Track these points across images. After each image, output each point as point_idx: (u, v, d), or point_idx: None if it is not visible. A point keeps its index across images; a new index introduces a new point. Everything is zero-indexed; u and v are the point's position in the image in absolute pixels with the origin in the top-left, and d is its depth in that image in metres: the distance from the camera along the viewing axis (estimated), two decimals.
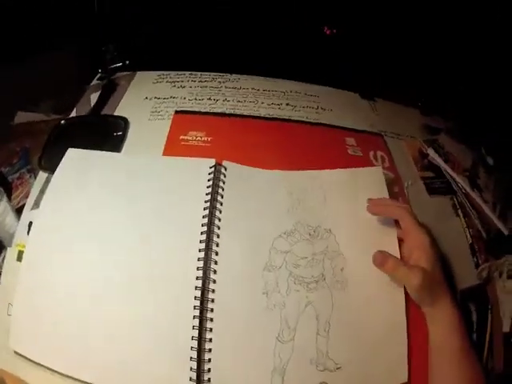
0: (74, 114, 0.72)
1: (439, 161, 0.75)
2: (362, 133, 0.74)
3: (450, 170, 0.74)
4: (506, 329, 0.61)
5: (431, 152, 0.76)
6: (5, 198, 0.60)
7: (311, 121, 0.73)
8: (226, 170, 0.59)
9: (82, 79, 0.81)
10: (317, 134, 0.71)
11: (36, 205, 0.59)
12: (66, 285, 0.50)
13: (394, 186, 0.67)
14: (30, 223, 0.55)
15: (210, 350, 0.48)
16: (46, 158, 0.64)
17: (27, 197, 0.62)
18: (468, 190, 0.72)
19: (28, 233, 0.55)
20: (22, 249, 0.54)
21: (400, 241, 0.56)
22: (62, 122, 0.69)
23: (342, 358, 0.49)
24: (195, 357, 0.47)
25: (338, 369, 0.49)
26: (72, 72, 0.83)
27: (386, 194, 0.60)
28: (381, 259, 0.52)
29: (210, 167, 0.58)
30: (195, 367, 0.46)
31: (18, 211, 0.61)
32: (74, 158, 0.60)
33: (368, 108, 0.82)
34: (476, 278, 0.63)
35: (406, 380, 0.50)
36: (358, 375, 0.49)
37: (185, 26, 0.82)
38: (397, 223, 0.56)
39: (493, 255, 0.66)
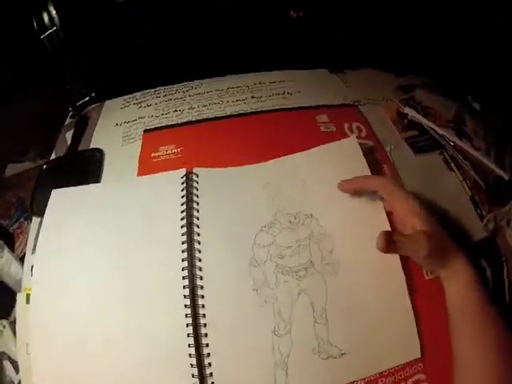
0: (54, 155, 0.73)
1: (419, 117, 0.73)
2: (333, 107, 0.72)
3: (431, 124, 0.72)
4: None
5: (408, 110, 0.74)
6: (6, 249, 0.62)
7: (279, 107, 0.73)
8: (197, 176, 0.59)
9: (56, 120, 0.84)
10: (286, 119, 0.70)
11: (34, 249, 0.60)
12: (68, 317, 0.52)
13: (376, 154, 0.65)
14: (32, 267, 0.57)
15: (208, 355, 0.48)
16: (35, 203, 0.66)
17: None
18: (455, 140, 0.70)
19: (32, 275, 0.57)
20: (29, 292, 0.56)
21: (389, 214, 0.54)
22: (44, 166, 0.71)
23: (346, 342, 0.49)
24: (195, 363, 0.47)
25: (342, 354, 0.48)
26: (52, 115, 0.87)
27: (363, 164, 0.59)
28: (382, 244, 0.48)
29: (182, 177, 0.59)
30: (197, 373, 0.47)
31: (22, 259, 0.63)
32: (58, 198, 0.61)
33: (338, 81, 0.81)
34: (483, 231, 0.61)
35: (420, 355, 0.49)
36: (366, 358, 0.49)
37: (140, 41, 0.83)
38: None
39: (497, 203, 0.64)
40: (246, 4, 0.83)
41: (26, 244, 0.67)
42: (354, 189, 0.56)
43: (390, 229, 0.53)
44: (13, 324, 0.62)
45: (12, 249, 0.67)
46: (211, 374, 0.47)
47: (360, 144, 0.62)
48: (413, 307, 0.50)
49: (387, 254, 0.50)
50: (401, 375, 0.48)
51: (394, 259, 0.52)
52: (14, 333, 0.60)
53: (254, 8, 0.84)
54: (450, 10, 0.81)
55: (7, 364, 0.61)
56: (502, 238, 0.62)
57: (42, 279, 0.55)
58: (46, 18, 0.74)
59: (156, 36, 0.82)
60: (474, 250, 0.56)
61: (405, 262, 0.52)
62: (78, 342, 0.50)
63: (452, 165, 0.68)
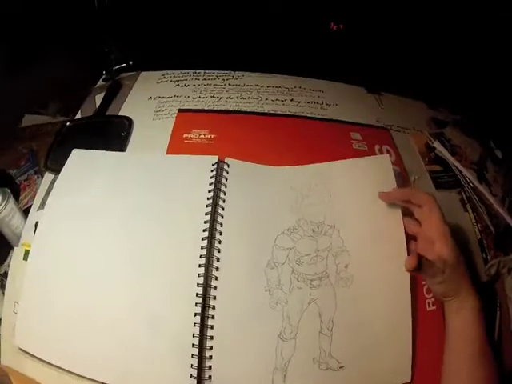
0: (79, 115, 0.73)
1: (446, 154, 0.74)
2: (367, 127, 0.74)
3: (457, 163, 0.73)
4: None
5: (437, 145, 0.75)
6: (12, 199, 0.61)
7: (316, 116, 0.74)
8: (228, 166, 0.59)
9: (84, 81, 0.83)
10: (321, 129, 0.71)
11: (42, 205, 0.60)
12: (70, 283, 0.51)
13: (401, 180, 0.65)
14: (37, 223, 0.57)
15: (211, 348, 0.48)
16: (51, 159, 0.66)
17: (34, 198, 0.63)
18: (476, 183, 0.71)
19: (34, 232, 0.56)
20: (28, 248, 0.55)
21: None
22: (68, 123, 0.70)
23: (346, 357, 0.50)
24: (196, 354, 0.47)
25: (341, 368, 0.49)
26: (74, 74, 0.85)
27: (393, 183, 0.59)
28: (411, 265, 0.51)
29: (213, 164, 0.59)
30: (196, 364, 0.47)
31: (26, 212, 0.62)
32: (78, 158, 0.61)
33: (374, 102, 0.82)
34: (484, 275, 0.62)
35: (409, 380, 0.50)
36: (360, 374, 0.50)
37: (187, 24, 0.83)
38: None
39: (502, 251, 0.66)
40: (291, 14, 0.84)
41: (32, 197, 0.67)
42: (401, 198, 0.56)
43: (406, 250, 0.54)
44: (2, 277, 0.61)
45: (16, 200, 0.66)
46: (210, 367, 0.48)
47: None
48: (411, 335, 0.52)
49: (399, 278, 0.53)
50: None
51: (405, 283, 0.53)
52: (2, 286, 0.59)
53: (298, 18, 0.85)
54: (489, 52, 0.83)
55: None
56: (501, 284, 0.63)
57: (46, 238, 0.54)
58: None
59: (203, 20, 0.81)
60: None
61: (413, 289, 0.53)
62: (76, 313, 0.50)
63: (468, 205, 0.69)
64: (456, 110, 0.87)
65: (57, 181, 0.59)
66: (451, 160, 0.74)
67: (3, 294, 0.56)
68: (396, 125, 0.77)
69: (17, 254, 0.57)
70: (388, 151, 0.70)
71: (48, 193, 0.61)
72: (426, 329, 0.53)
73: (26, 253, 0.55)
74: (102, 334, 0.49)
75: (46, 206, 0.57)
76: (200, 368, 0.47)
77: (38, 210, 0.60)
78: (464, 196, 0.70)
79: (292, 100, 0.76)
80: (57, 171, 0.60)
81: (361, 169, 0.61)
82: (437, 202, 0.53)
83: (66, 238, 0.54)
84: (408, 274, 0.53)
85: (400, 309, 0.53)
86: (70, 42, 0.86)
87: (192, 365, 0.47)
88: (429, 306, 0.55)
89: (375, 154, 0.68)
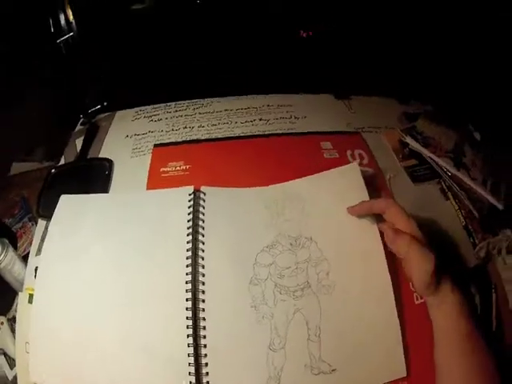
0: (62, 160, 0.77)
1: (419, 147, 0.77)
2: (338, 134, 0.77)
3: (431, 155, 0.76)
4: None
5: (409, 140, 0.78)
6: (10, 248, 0.65)
7: (285, 131, 0.77)
8: (204, 194, 0.63)
9: (66, 124, 0.87)
10: (292, 143, 0.75)
11: (39, 251, 0.64)
12: (67, 322, 0.55)
13: (376, 181, 0.69)
14: (36, 268, 0.60)
15: (206, 365, 0.51)
16: (42, 206, 0.69)
17: (31, 244, 0.67)
18: (453, 170, 0.74)
19: (35, 277, 0.60)
20: (31, 292, 0.59)
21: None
22: (53, 170, 0.74)
23: (337, 359, 0.52)
24: (193, 371, 0.51)
25: (333, 371, 0.52)
26: (55, 118, 0.90)
27: (364, 191, 0.62)
28: (392, 235, 0.52)
29: (189, 194, 0.63)
30: (194, 381, 0.50)
31: (25, 258, 0.66)
32: (66, 203, 0.64)
33: (343, 108, 0.85)
34: (475, 259, 0.65)
35: (405, 374, 0.52)
36: (355, 375, 0.52)
37: (156, 57, 0.87)
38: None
39: (490, 232, 0.68)
40: (256, 23, 0.87)
41: (29, 244, 0.71)
42: (363, 212, 0.59)
43: (384, 253, 0.57)
44: (11, 321, 0.66)
45: (15, 248, 0.70)
46: (208, 383, 0.51)
47: (361, 171, 0.65)
48: (401, 328, 0.54)
49: (381, 279, 0.56)
50: None
51: (386, 283, 0.56)
52: (12, 330, 0.64)
53: (265, 27, 0.89)
54: (458, 38, 0.87)
55: (2, 359, 0.65)
56: (493, 266, 0.66)
57: (46, 281, 0.58)
58: (63, 21, 0.78)
59: (167, 50, 0.85)
60: (464, 277, 0.60)
61: (396, 286, 0.56)
62: (78, 348, 0.53)
63: (448, 194, 0.72)
64: (430, 100, 0.89)
65: (49, 227, 0.63)
66: (425, 152, 0.77)
67: (14, 337, 0.60)
68: (367, 126, 0.80)
69: (22, 298, 0.61)
70: (360, 155, 0.73)
71: (43, 239, 0.64)
72: (417, 322, 0.55)
73: (31, 297, 0.59)
74: (101, 366, 0.52)
75: (42, 252, 0.61)
76: None
77: (36, 255, 0.64)
78: (444, 185, 0.73)
79: (261, 119, 0.80)
80: (48, 217, 0.64)
81: (330, 181, 0.64)
82: (396, 203, 0.56)
83: (62, 279, 0.58)
84: (387, 272, 0.56)
85: (385, 306, 0.55)
86: (46, 87, 0.91)
87: (190, 382, 0.50)
88: (417, 299, 0.58)
89: (347, 160, 0.72)
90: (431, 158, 0.76)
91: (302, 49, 0.91)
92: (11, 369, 0.64)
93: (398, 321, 0.54)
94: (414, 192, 0.71)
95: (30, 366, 0.53)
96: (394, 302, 0.55)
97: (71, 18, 0.77)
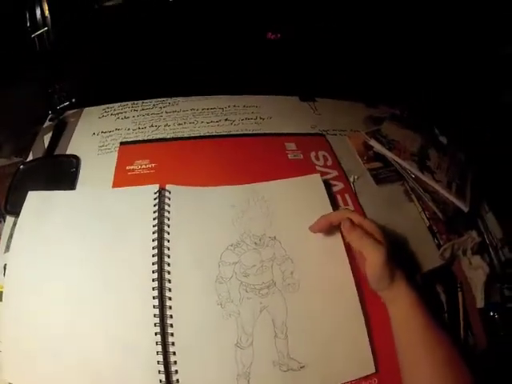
0: (31, 156, 0.78)
1: (383, 150, 0.81)
2: (302, 135, 0.81)
3: (395, 157, 0.80)
4: (480, 304, 0.66)
5: (373, 143, 0.82)
6: None
7: (250, 132, 0.81)
8: (170, 193, 0.66)
9: (33, 120, 0.89)
10: (256, 144, 0.79)
11: (7, 248, 0.65)
12: (40, 316, 0.57)
13: (339, 184, 0.74)
14: (5, 265, 0.62)
15: (175, 363, 0.54)
16: (10, 203, 0.70)
17: None
18: (417, 173, 0.78)
19: (4, 275, 0.61)
20: (1, 290, 0.60)
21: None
22: (21, 166, 0.75)
23: (305, 356, 0.56)
24: (163, 370, 0.53)
25: (302, 367, 0.55)
26: (22, 114, 0.92)
27: (325, 199, 0.68)
28: (348, 227, 0.58)
29: (155, 193, 0.65)
30: (164, 379, 0.53)
31: None
32: (34, 200, 0.66)
33: (308, 110, 0.90)
34: (439, 259, 0.68)
35: (374, 370, 0.56)
36: (324, 371, 0.55)
37: (123, 55, 0.89)
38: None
39: (455, 233, 0.72)
40: (225, 25, 0.91)
41: None
42: (321, 226, 0.63)
43: (345, 252, 0.62)
44: None
45: None
46: (178, 381, 0.53)
47: (324, 173, 0.72)
48: (367, 325, 0.58)
49: (343, 276, 0.60)
50: None
51: (349, 280, 0.60)
52: None
53: (233, 29, 0.92)
54: (426, 39, 0.92)
55: None
56: (458, 266, 0.70)
57: (16, 278, 0.60)
58: (38, 16, 0.80)
59: (139, 49, 0.88)
60: (428, 276, 0.65)
61: (359, 283, 0.60)
62: (49, 345, 0.55)
63: (412, 196, 0.76)
64: (397, 103, 0.94)
65: (17, 224, 0.64)
66: (389, 155, 0.81)
67: None
68: (332, 129, 0.85)
69: None
70: (324, 156, 0.78)
71: (11, 236, 0.65)
72: (383, 318, 0.58)
73: (0, 294, 0.60)
74: (72, 360, 0.54)
75: (10, 249, 0.62)
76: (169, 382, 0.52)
77: (4, 253, 0.65)
78: (407, 187, 0.77)
79: (226, 120, 0.83)
80: (17, 214, 0.65)
81: (294, 188, 0.69)
82: (347, 212, 0.62)
83: (30, 276, 0.59)
84: (349, 269, 0.60)
85: (349, 302, 0.59)
86: (15, 82, 0.94)
87: (160, 380, 0.52)
88: None
89: (311, 161, 0.76)
90: (395, 161, 0.80)
91: (269, 50, 0.95)
92: None
93: (362, 317, 0.58)
94: (377, 194, 0.75)
95: (3, 365, 0.54)
96: (357, 298, 0.59)
97: (47, 12, 0.79)
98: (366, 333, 0.57)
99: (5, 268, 0.62)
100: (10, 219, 0.69)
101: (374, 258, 0.55)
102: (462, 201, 0.76)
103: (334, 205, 0.69)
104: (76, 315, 0.57)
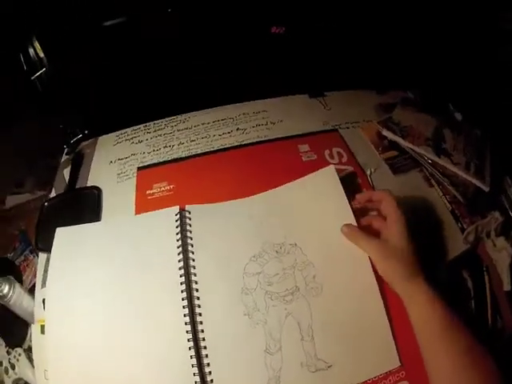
0: (53, 192, 0.82)
1: (396, 138, 0.81)
2: (315, 134, 0.82)
3: (409, 145, 0.80)
4: (507, 287, 0.66)
5: (386, 133, 0.82)
6: (17, 285, 0.70)
7: (261, 139, 0.82)
8: (189, 213, 0.68)
9: (51, 151, 0.93)
10: (270, 151, 0.80)
11: (44, 283, 0.69)
12: (81, 344, 0.60)
13: (356, 179, 0.74)
14: (44, 300, 0.65)
15: (210, 373, 0.57)
16: (40, 240, 0.74)
17: (35, 275, 0.72)
18: (434, 158, 0.77)
19: (44, 309, 0.65)
20: (43, 323, 0.64)
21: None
22: (46, 203, 0.79)
23: (332, 356, 0.58)
24: (199, 381, 0.56)
25: (329, 367, 0.57)
26: (40, 147, 0.96)
27: (341, 192, 0.68)
28: (345, 230, 0.62)
29: (176, 214, 0.68)
30: None
31: (31, 290, 0.72)
32: (63, 236, 0.69)
33: (319, 106, 0.90)
34: (464, 243, 0.68)
35: (399, 364, 0.58)
36: (351, 369, 0.58)
37: (128, 76, 0.90)
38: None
39: (478, 215, 0.72)
40: (226, 23, 0.90)
41: (33, 276, 0.75)
42: (363, 199, 0.66)
43: (363, 255, 0.63)
44: (27, 352, 0.71)
45: (20, 281, 0.76)
46: None
47: (340, 170, 0.71)
48: (389, 321, 0.59)
49: (365, 277, 0.61)
50: (384, 383, 0.57)
51: (371, 278, 0.62)
52: (29, 359, 0.70)
53: (235, 26, 0.90)
54: (430, 20, 0.89)
55: None
56: (483, 248, 0.69)
57: (55, 312, 0.63)
58: (33, 57, 0.81)
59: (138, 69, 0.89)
60: (454, 262, 0.65)
61: (380, 281, 0.61)
62: (90, 369, 0.59)
63: (432, 181, 0.76)
64: (408, 86, 0.93)
65: (50, 261, 0.67)
66: (403, 143, 0.80)
67: (32, 366, 0.66)
68: (344, 122, 0.85)
69: (35, 329, 0.66)
70: (339, 153, 0.79)
71: (46, 270, 0.69)
72: (404, 313, 0.58)
73: (42, 327, 0.64)
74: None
75: (46, 284, 0.66)
76: None
77: (41, 288, 0.69)
78: (426, 172, 0.77)
79: (238, 129, 0.85)
80: (48, 250, 0.68)
81: (307, 187, 0.70)
82: (392, 194, 0.61)
83: (68, 309, 0.63)
84: (371, 267, 0.61)
85: (371, 300, 0.61)
86: (28, 116, 0.97)
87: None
88: None
89: (325, 161, 0.77)
90: (410, 148, 0.80)
91: (273, 46, 0.93)
92: None
93: (385, 313, 0.60)
94: (395, 183, 0.75)
95: None
96: (379, 295, 0.61)
97: (41, 53, 0.80)
98: (390, 329, 0.59)
99: (43, 302, 0.65)
100: (42, 255, 0.72)
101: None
102: (481, 181, 0.75)
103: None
104: (113, 339, 0.60)
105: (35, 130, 1.00)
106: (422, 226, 0.65)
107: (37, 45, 0.80)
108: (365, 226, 0.65)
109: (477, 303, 0.65)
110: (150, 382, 0.58)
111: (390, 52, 0.90)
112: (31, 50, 0.80)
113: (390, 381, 0.57)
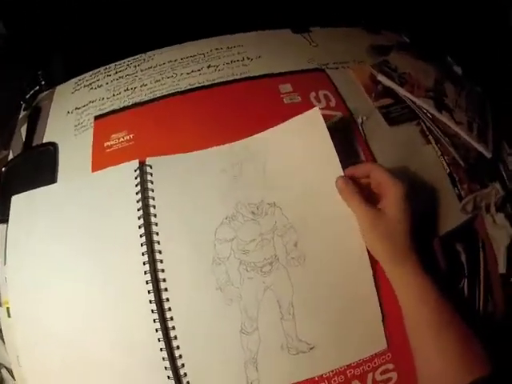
0: (11, 154, 0.72)
1: (394, 86, 0.70)
2: (298, 73, 0.70)
3: (408, 94, 0.69)
4: (502, 269, 0.60)
5: (382, 78, 0.71)
6: None
7: (236, 77, 0.70)
8: (151, 167, 0.58)
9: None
10: (246, 91, 0.67)
11: (5, 260, 0.61)
12: (46, 325, 0.55)
13: (346, 126, 0.64)
14: (5, 279, 0.59)
15: (180, 356, 0.50)
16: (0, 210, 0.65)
17: None
18: (435, 113, 0.68)
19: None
20: (8, 305, 0.58)
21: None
22: (3, 169, 0.70)
23: (314, 337, 0.51)
24: (169, 366, 0.50)
25: (311, 349, 0.51)
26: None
27: (327, 138, 0.57)
28: (341, 183, 0.53)
29: (135, 170, 0.58)
30: (172, 375, 0.50)
31: None
32: (18, 204, 0.61)
33: (303, 42, 0.78)
34: (461, 213, 0.61)
35: (386, 346, 0.52)
36: (334, 351, 0.52)
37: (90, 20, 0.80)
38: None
39: (477, 183, 0.64)
40: None
41: None
42: (351, 174, 0.56)
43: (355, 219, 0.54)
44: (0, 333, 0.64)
45: None
46: (185, 374, 0.50)
47: (329, 116, 0.61)
48: (378, 298, 0.53)
49: (354, 244, 0.53)
50: (369, 366, 0.52)
51: (362, 248, 0.53)
52: (3, 340, 0.62)
53: None
54: None
55: (5, 372, 0.63)
56: (480, 221, 0.62)
57: (18, 291, 0.57)
58: None
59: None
60: (448, 234, 0.59)
61: (372, 258, 0.53)
62: (61, 353, 0.53)
63: (430, 137, 0.66)
64: (402, 29, 0.83)
65: (7, 233, 0.61)
66: (401, 92, 0.70)
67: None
68: (332, 61, 0.73)
69: (2, 313, 0.59)
70: (326, 96, 0.67)
71: (6, 246, 0.61)
72: (393, 292, 0.52)
73: (8, 310, 0.58)
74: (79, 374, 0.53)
75: (6, 260, 0.59)
76: (177, 378, 0.50)
77: (4, 265, 0.61)
78: (424, 126, 0.67)
79: (209, 66, 0.72)
80: (6, 221, 0.62)
81: (290, 133, 0.59)
82: (380, 165, 0.54)
83: (34, 283, 0.57)
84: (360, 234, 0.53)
85: (361, 275, 0.53)
86: None
87: (168, 376, 0.50)
88: None
89: (310, 104, 0.65)
90: (409, 99, 0.69)
91: None
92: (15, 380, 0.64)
93: (375, 290, 0.53)
94: (390, 136, 0.65)
95: (26, 379, 0.54)
96: (370, 269, 0.53)
97: None
98: (379, 308, 0.52)
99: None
100: (2, 227, 0.63)
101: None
102: (484, 145, 0.67)
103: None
104: (76, 318, 0.54)
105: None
106: (417, 193, 0.57)
107: None
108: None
109: (469, 282, 0.59)
110: (118, 368, 0.52)
111: None
112: None
113: (374, 363, 0.52)
